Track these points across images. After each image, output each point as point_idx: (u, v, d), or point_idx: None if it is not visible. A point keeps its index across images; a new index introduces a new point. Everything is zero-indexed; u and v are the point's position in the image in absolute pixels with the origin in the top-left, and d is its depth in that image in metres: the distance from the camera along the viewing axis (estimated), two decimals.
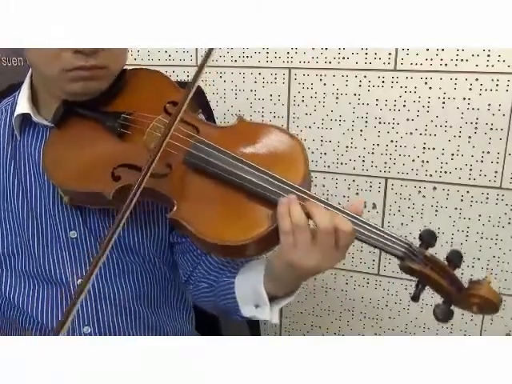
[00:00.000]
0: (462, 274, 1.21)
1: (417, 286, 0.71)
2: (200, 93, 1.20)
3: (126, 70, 0.89)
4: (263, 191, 0.73)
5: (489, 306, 0.69)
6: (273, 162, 0.76)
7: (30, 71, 0.90)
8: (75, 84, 0.80)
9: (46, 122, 0.87)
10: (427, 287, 0.71)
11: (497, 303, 0.68)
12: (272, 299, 0.77)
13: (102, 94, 0.84)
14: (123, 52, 0.86)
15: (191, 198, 0.76)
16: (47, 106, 0.87)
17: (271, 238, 0.73)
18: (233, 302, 0.82)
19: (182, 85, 0.92)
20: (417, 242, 0.71)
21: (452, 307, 0.70)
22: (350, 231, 0.68)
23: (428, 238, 0.72)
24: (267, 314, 0.77)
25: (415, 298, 0.71)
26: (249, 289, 0.79)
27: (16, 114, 0.86)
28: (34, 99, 0.88)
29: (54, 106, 0.85)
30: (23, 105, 0.86)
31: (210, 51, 0.75)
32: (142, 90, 0.89)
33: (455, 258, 0.71)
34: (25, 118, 0.87)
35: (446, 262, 0.71)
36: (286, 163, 0.77)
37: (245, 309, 0.80)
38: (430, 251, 0.71)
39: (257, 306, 0.79)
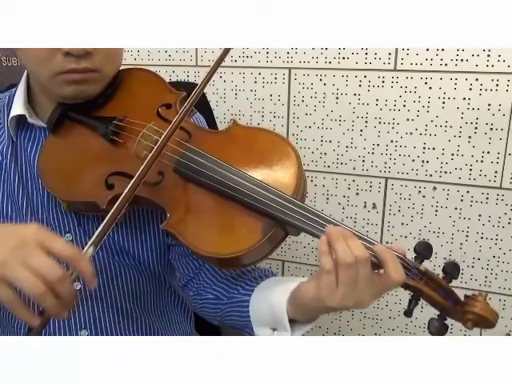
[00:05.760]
0: (462, 274, 1.21)
1: (410, 301, 0.70)
2: (204, 101, 1.20)
3: (119, 70, 0.86)
4: (254, 202, 0.71)
5: (484, 322, 0.67)
6: (265, 171, 0.75)
7: (26, 71, 0.88)
8: (67, 87, 0.78)
9: (42, 124, 0.85)
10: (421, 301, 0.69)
11: (492, 321, 0.67)
12: (290, 321, 0.73)
13: (96, 96, 0.83)
14: (117, 54, 0.83)
15: (183, 207, 0.75)
16: (43, 107, 0.86)
17: (265, 248, 0.73)
18: (245, 321, 0.78)
19: (181, 85, 0.92)
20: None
21: (447, 321, 0.69)
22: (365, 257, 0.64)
23: (423, 250, 0.70)
24: (286, 338, 0.72)
25: (408, 313, 0.69)
26: (267, 312, 0.75)
27: (11, 116, 0.84)
28: (31, 99, 0.87)
29: (50, 107, 0.83)
30: (18, 106, 0.84)
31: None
32: (136, 92, 0.87)
33: (452, 270, 0.69)
34: (20, 119, 0.85)
35: (441, 275, 0.70)
36: (279, 172, 0.75)
37: (259, 330, 0.77)
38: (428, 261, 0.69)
39: (274, 330, 0.75)
